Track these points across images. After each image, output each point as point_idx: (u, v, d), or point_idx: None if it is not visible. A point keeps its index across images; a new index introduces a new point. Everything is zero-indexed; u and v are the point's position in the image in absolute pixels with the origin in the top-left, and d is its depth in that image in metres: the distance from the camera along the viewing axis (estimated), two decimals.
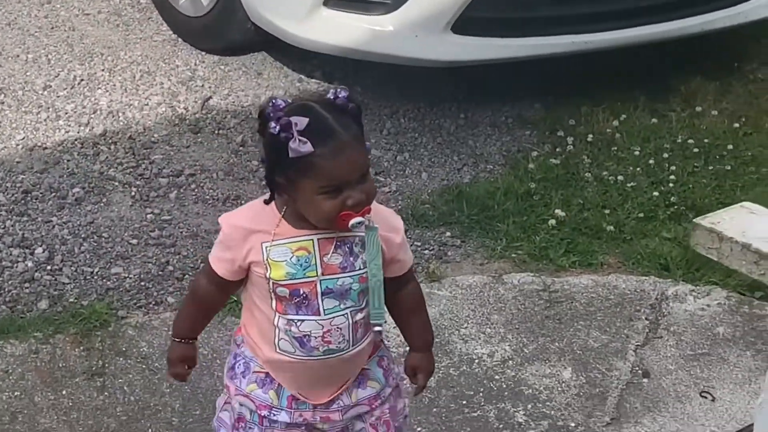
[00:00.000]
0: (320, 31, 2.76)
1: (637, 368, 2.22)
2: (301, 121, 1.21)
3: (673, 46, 3.43)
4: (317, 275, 1.34)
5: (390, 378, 1.52)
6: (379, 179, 2.97)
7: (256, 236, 1.35)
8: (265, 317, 1.42)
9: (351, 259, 1.38)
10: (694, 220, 1.62)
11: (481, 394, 2.11)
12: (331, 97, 1.27)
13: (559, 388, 2.14)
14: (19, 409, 2.08)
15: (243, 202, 2.87)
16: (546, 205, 2.70)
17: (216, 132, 3.05)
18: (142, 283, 2.36)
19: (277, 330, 1.39)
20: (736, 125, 3.13)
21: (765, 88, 3.58)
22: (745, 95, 3.46)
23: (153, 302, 2.34)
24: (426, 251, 2.52)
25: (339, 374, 1.45)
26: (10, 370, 2.16)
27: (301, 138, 1.21)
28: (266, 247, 1.34)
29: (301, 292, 1.36)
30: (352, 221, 1.27)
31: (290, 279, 1.34)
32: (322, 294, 1.36)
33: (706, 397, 2.17)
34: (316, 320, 1.39)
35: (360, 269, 1.38)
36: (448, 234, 2.61)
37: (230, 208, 2.77)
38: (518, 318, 2.39)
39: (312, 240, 1.34)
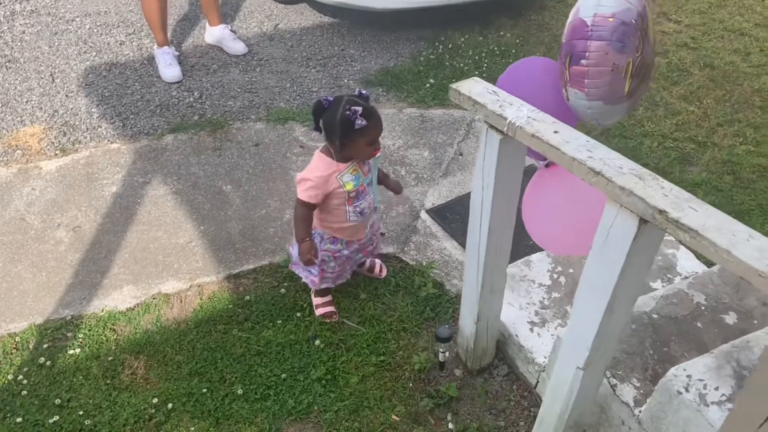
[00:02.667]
0: None
1: (457, 151, 3.67)
2: (359, 110, 2.21)
3: (495, 3, 4.80)
4: (363, 179, 2.42)
5: (378, 217, 2.72)
6: (352, 63, 4.34)
7: (331, 175, 2.34)
8: (341, 210, 2.43)
9: (369, 169, 2.46)
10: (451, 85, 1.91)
11: (386, 161, 3.49)
12: (357, 93, 2.31)
13: (423, 160, 3.57)
14: (183, 160, 3.47)
15: (290, 74, 4.19)
16: (426, 76, 4.23)
17: (280, 40, 4.48)
18: (241, 110, 3.86)
19: (348, 213, 2.44)
20: (517, 41, 4.68)
21: (536, 25, 4.91)
22: (523, 26, 4.87)
23: (245, 118, 3.80)
24: (370, 98, 4.41)
25: (367, 222, 2.58)
26: (181, 146, 3.57)
27: (360, 118, 2.21)
28: (338, 177, 2.35)
29: (360, 190, 2.42)
30: (377, 155, 2.39)
31: (355, 186, 2.39)
32: (367, 186, 2.45)
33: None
34: (366, 200, 2.47)
35: (371, 173, 2.46)
36: (380, 90, 4.09)
37: (285, 78, 4.16)
38: (408, 128, 3.79)
39: (355, 165, 2.38)
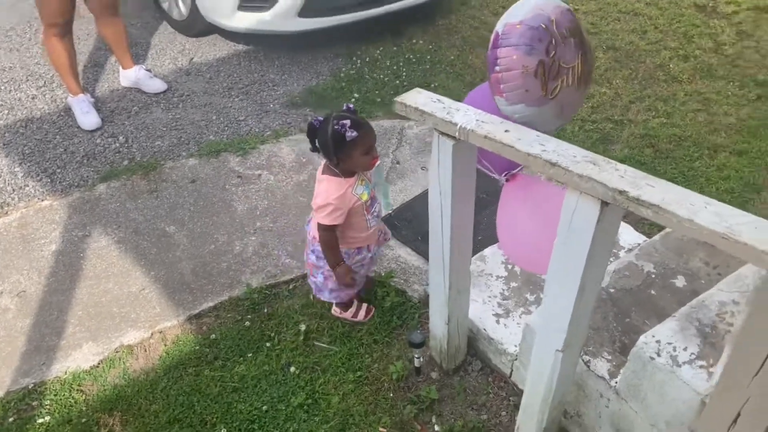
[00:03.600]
0: (238, 22, 4.32)
1: (393, 160, 3.73)
2: (347, 123, 2.25)
3: (404, 13, 4.79)
4: (371, 186, 2.50)
5: None
6: (274, 88, 4.34)
7: (347, 191, 2.39)
8: (362, 220, 2.51)
9: (370, 175, 2.52)
10: (395, 99, 2.02)
11: None
12: (346, 108, 2.37)
13: None
14: (120, 207, 3.39)
15: (214, 106, 4.14)
16: (350, 91, 4.28)
17: (197, 73, 4.44)
18: (171, 148, 3.81)
19: (368, 221, 2.52)
20: (430, 47, 4.77)
21: (445, 29, 5.07)
22: (433, 33, 5.03)
23: (176, 156, 3.75)
24: (298, 119, 4.01)
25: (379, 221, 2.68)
26: (116, 194, 3.49)
27: (350, 129, 2.25)
28: (353, 192, 2.41)
29: (372, 196, 2.51)
30: (377, 164, 2.42)
31: (368, 195, 2.47)
32: (375, 189, 2.55)
33: (424, 169, 3.72)
34: (378, 203, 2.60)
35: (373, 178, 2.56)
36: (307, 110, 4.11)
37: (210, 110, 4.11)
38: None
39: (360, 175, 2.44)
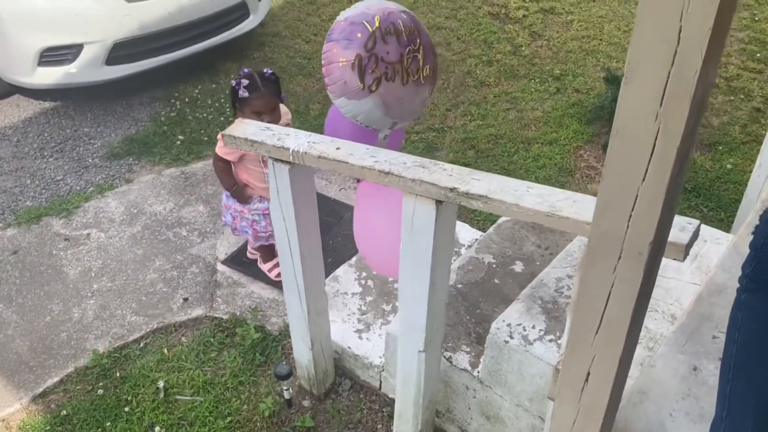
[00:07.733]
0: (41, 78, 4.10)
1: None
2: (244, 82, 2.59)
3: (216, 50, 4.82)
4: None
5: None
6: (90, 141, 4.13)
7: None
8: (258, 170, 2.80)
9: None
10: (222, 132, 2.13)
11: (163, 227, 3.52)
12: (265, 71, 2.67)
13: (200, 215, 3.53)
14: None
15: (26, 170, 3.86)
16: (173, 134, 4.17)
17: (2, 138, 4.13)
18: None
19: (264, 174, 2.75)
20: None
21: (261, 61, 5.10)
22: (249, 66, 5.05)
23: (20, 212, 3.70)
24: (122, 170, 3.86)
25: None
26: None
27: (243, 89, 2.59)
28: None
29: None
30: None
31: None
32: None
33: None
34: None
35: None
36: (131, 159, 3.97)
37: (23, 175, 3.82)
38: (174, 189, 3.72)
39: None
